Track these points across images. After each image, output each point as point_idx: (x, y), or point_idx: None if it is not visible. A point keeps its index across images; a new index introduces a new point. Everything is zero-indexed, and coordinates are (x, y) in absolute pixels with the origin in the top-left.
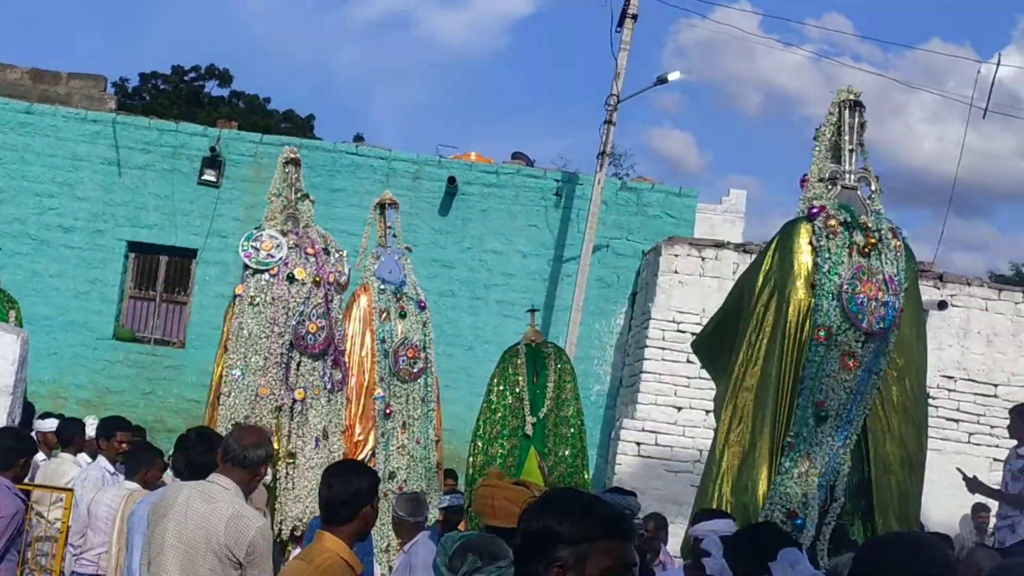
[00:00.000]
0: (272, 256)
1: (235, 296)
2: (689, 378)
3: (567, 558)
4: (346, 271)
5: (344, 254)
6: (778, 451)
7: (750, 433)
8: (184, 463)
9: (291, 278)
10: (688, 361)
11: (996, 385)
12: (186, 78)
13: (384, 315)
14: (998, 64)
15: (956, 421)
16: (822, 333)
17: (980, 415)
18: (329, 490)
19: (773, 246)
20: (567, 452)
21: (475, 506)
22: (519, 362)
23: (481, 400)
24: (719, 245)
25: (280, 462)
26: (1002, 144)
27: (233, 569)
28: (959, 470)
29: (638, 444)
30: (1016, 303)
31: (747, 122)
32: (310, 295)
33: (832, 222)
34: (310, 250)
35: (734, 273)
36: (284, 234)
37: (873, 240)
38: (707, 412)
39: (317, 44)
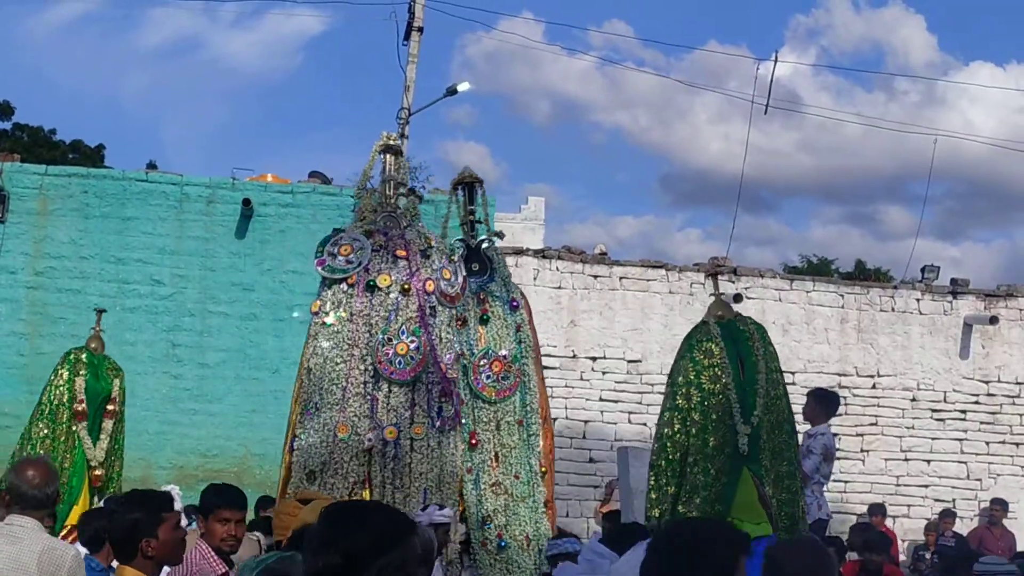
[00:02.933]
0: (350, 262)
1: (312, 315)
2: None
3: (390, 563)
4: (458, 280)
5: (456, 258)
6: None
7: None
8: None
9: (372, 287)
10: None
11: (793, 373)
12: None
13: (461, 322)
14: (776, 61)
15: None
16: None
17: None
18: (109, 524)
19: None
20: (784, 469)
21: None
22: (715, 348)
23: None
24: (518, 252)
25: None
26: (783, 141)
27: None
28: None
29: None
30: (807, 292)
31: (538, 131)
32: (397, 308)
33: None
34: (401, 252)
35: (535, 280)
36: (369, 235)
37: None
38: None
39: (104, 72)
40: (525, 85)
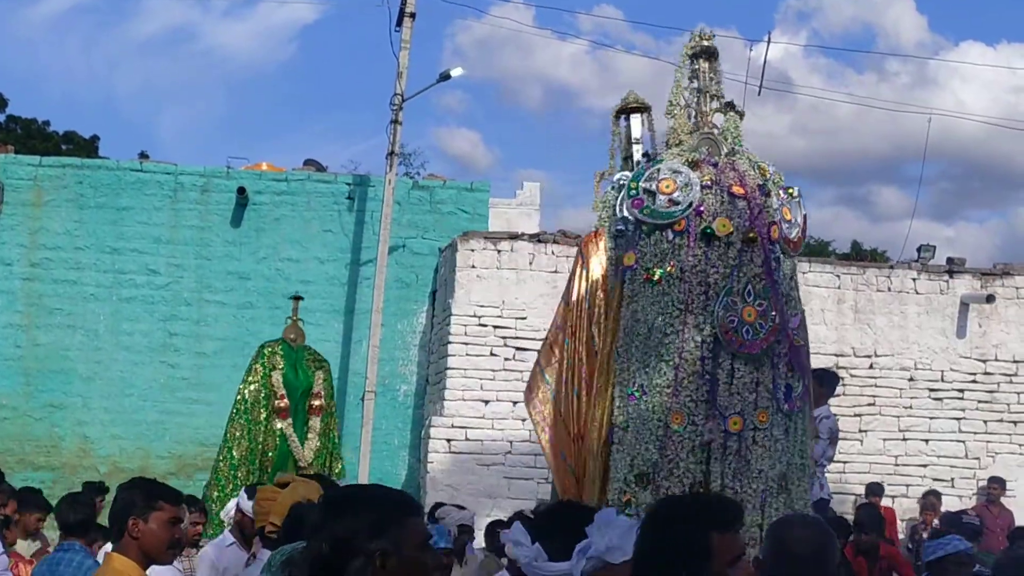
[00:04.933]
0: (675, 202)
1: (624, 270)
2: (494, 371)
3: (385, 545)
4: (798, 221)
5: (795, 192)
6: None
7: None
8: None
9: (708, 235)
10: (492, 354)
11: None
12: None
13: None
14: (768, 42)
15: None
16: None
17: None
18: (112, 503)
19: None
20: None
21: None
22: None
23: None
24: (514, 237)
25: None
26: (776, 124)
27: None
28: None
29: (448, 441)
30: (803, 273)
31: (530, 116)
32: (740, 262)
33: None
34: (737, 188)
35: (530, 264)
36: (694, 166)
37: None
38: (514, 403)
39: (97, 64)
40: (517, 71)
